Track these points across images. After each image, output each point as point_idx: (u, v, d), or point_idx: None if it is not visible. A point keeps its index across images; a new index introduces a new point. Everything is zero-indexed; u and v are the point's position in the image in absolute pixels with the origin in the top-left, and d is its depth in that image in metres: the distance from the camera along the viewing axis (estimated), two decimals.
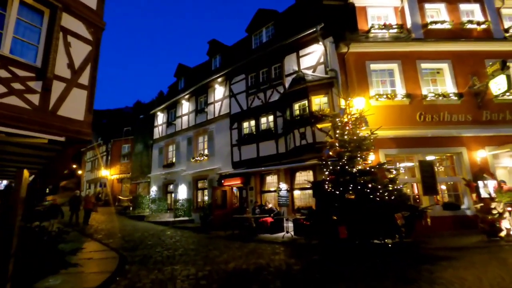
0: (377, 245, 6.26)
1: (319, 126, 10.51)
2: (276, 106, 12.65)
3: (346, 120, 7.84)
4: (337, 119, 8.06)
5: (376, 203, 6.37)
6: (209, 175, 15.52)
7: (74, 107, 6.27)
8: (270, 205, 12.08)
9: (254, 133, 13.51)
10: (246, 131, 14.09)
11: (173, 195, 18.16)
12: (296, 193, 12.06)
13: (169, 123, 19.68)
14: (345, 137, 7.50)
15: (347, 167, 7.10)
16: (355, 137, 7.42)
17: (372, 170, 6.88)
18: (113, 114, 32.24)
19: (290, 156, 11.80)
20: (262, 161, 12.81)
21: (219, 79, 15.75)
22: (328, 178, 7.56)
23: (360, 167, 7.26)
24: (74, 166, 34.97)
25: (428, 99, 10.22)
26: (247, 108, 13.99)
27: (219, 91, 16.10)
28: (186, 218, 15.66)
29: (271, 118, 13.12)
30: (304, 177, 11.92)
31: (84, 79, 6.51)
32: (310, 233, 8.96)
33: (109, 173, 26.68)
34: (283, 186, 12.14)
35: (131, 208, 19.17)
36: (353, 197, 6.76)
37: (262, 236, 10.74)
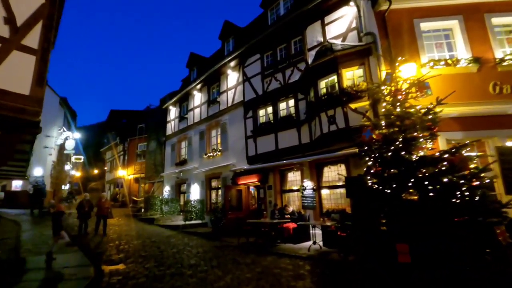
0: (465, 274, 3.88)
1: (353, 106, 8.17)
2: (297, 87, 10.43)
3: (396, 88, 5.48)
4: (382, 88, 5.71)
5: (459, 208, 4.01)
6: (223, 172, 13.63)
7: (14, 76, 4.56)
8: (291, 208, 9.91)
9: (272, 121, 11.39)
10: (262, 119, 12.01)
11: (185, 195, 16.53)
12: (324, 192, 9.78)
13: (181, 117, 18.10)
14: (397, 110, 5.16)
15: (403, 153, 4.77)
16: (412, 110, 5.06)
17: (444, 157, 4.49)
18: (134, 113, 31.43)
19: (316, 146, 9.54)
20: (282, 154, 10.65)
21: (232, 63, 13.82)
22: (372, 171, 5.27)
23: (422, 154, 4.90)
24: (106, 168, 35.07)
25: (505, 64, 7.50)
26: (263, 92, 11.89)
27: (232, 77, 14.17)
28: (198, 221, 13.90)
29: (291, 102, 10.93)
30: (334, 172, 9.61)
31: (32, 40, 4.78)
32: (346, 246, 6.70)
33: (126, 173, 25.83)
34: (308, 184, 9.91)
35: (142, 210, 17.83)
36: (415, 197, 4.44)
37: (283, 246, 8.60)
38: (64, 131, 21.56)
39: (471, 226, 4.02)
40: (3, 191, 19.24)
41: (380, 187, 5.07)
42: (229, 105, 13.99)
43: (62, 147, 22.69)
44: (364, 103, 8.02)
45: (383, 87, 5.64)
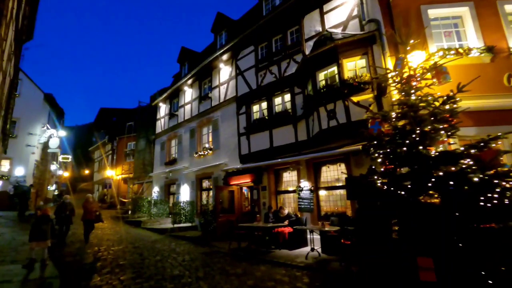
0: None
1: (355, 99, 7.47)
2: (294, 80, 9.71)
3: (409, 74, 4.77)
4: (392, 75, 4.99)
5: (490, 212, 3.30)
6: (214, 172, 12.82)
7: None
8: (286, 211, 9.16)
9: (267, 117, 10.63)
10: (256, 115, 11.25)
11: (175, 196, 15.66)
12: (323, 193, 9.06)
13: (172, 114, 17.23)
14: (412, 98, 4.44)
15: (420, 147, 4.05)
16: (429, 98, 4.35)
17: (470, 152, 3.78)
18: (124, 112, 30.36)
19: (313, 144, 8.82)
20: (277, 153, 9.91)
21: (224, 57, 13.04)
22: (381, 169, 4.55)
23: (441, 149, 4.20)
24: (94, 168, 33.76)
25: None
26: (257, 86, 11.13)
27: (224, 71, 13.38)
28: (187, 224, 13.05)
29: (287, 97, 10.19)
30: (333, 171, 8.90)
31: None
32: (348, 255, 5.97)
33: (114, 173, 24.78)
34: (305, 184, 9.18)
35: (129, 212, 16.87)
36: (436, 201, 3.72)
37: (278, 253, 7.84)
38: (48, 128, 20.46)
39: (505, 234, 3.32)
40: None
41: (392, 188, 4.35)
42: (221, 100, 13.20)
43: (46, 145, 21.57)
44: (367, 96, 7.32)
45: (393, 73, 4.92)
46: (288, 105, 10.07)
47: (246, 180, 10.92)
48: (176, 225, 12.66)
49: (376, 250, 4.25)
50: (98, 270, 6.32)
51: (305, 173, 9.28)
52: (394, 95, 4.90)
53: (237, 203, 11.39)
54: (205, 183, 13.96)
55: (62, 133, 21.39)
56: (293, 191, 9.81)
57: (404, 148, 4.26)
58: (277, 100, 10.54)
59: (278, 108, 10.46)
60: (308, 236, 8.63)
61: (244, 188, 12.26)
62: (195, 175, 14.03)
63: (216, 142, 13.06)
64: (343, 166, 8.63)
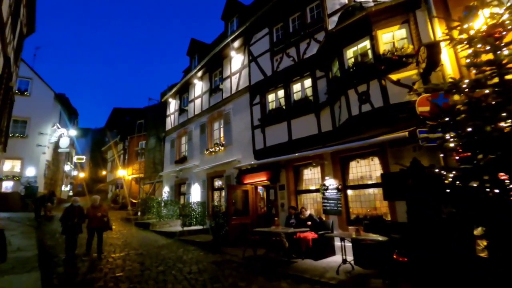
0: None
1: (394, 76, 6.10)
2: (315, 62, 8.41)
3: (490, 24, 3.40)
4: (463, 26, 3.62)
5: None
6: (226, 170, 11.70)
7: None
8: (308, 212, 7.88)
9: (284, 107, 9.38)
10: (272, 105, 10.01)
11: (186, 197, 14.68)
12: (351, 193, 7.71)
13: (181, 109, 16.27)
14: (505, 53, 3.09)
15: None
16: None
17: None
18: (137, 111, 29.84)
19: (340, 134, 7.50)
20: (297, 147, 8.63)
21: (236, 43, 11.89)
22: (457, 157, 3.22)
23: None
24: (108, 168, 33.65)
25: None
26: (273, 73, 9.89)
27: (236, 60, 12.25)
28: (198, 227, 12.00)
29: (307, 82, 8.91)
30: (364, 167, 7.54)
31: None
32: (398, 270, 4.64)
33: (126, 173, 24.21)
34: (331, 182, 7.88)
35: (139, 213, 16.05)
36: None
37: (301, 264, 6.58)
38: (58, 128, 20.06)
39: None
40: None
41: (472, 184, 3.02)
42: (233, 92, 12.06)
43: (57, 145, 21.23)
44: (410, 72, 5.93)
45: (465, 25, 3.55)
46: (309, 92, 8.78)
47: (261, 178, 9.72)
48: (185, 228, 11.61)
49: (442, 266, 2.95)
50: (90, 285, 5.31)
51: (330, 169, 7.97)
52: (465, 55, 3.53)
53: (252, 204, 10.20)
54: (217, 183, 12.87)
55: (73, 132, 20.99)
56: (316, 191, 8.51)
57: (492, 126, 2.92)
58: (296, 87, 9.27)
59: (297, 96, 9.18)
60: (341, 243, 7.35)
61: (259, 188, 11.07)
62: (206, 174, 12.97)
63: (228, 137, 11.93)
64: (376, 160, 7.26)
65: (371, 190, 7.34)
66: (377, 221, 6.78)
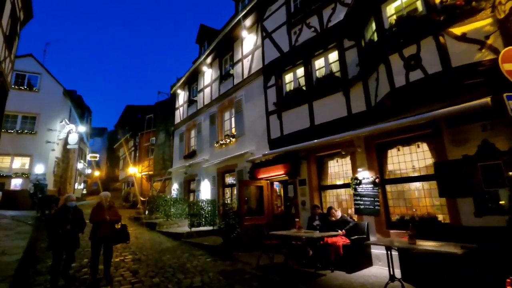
0: None
1: (457, 30, 4.53)
2: (343, 30, 6.92)
3: None
4: None
5: None
6: (238, 164, 10.40)
7: None
8: (339, 213, 6.44)
9: (304, 87, 7.94)
10: (289, 86, 8.59)
11: (195, 194, 13.52)
12: (391, 188, 6.18)
13: (191, 100, 15.12)
14: None
15: None
16: None
17: None
18: (149, 108, 29.10)
19: (377, 115, 5.99)
20: (320, 133, 7.16)
21: (248, 21, 10.55)
22: None
23: None
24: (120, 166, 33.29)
25: None
26: (290, 48, 8.47)
27: (248, 41, 10.90)
28: (208, 227, 10.77)
29: (333, 56, 7.43)
30: (408, 155, 6.00)
31: None
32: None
33: (137, 170, 23.45)
34: (365, 175, 6.38)
35: (146, 212, 15.04)
36: None
37: (331, 277, 5.16)
38: (66, 123, 19.47)
39: None
40: (1, 191, 17.41)
41: None
42: (245, 76, 10.73)
43: (67, 142, 20.67)
44: (482, 22, 4.35)
45: None
46: (335, 67, 7.30)
47: (278, 172, 8.34)
48: (194, 229, 10.40)
49: None
50: None
51: (363, 158, 6.47)
52: None
53: (267, 202, 8.84)
54: (228, 179, 11.61)
55: (82, 128, 20.38)
56: (344, 186, 7.04)
57: None
58: (318, 63, 7.80)
59: (320, 73, 7.71)
60: (373, 251, 5.88)
61: (276, 183, 9.71)
62: (216, 169, 11.73)
63: (240, 127, 10.62)
64: (424, 145, 5.70)
65: (418, 184, 5.79)
66: (430, 224, 5.25)
